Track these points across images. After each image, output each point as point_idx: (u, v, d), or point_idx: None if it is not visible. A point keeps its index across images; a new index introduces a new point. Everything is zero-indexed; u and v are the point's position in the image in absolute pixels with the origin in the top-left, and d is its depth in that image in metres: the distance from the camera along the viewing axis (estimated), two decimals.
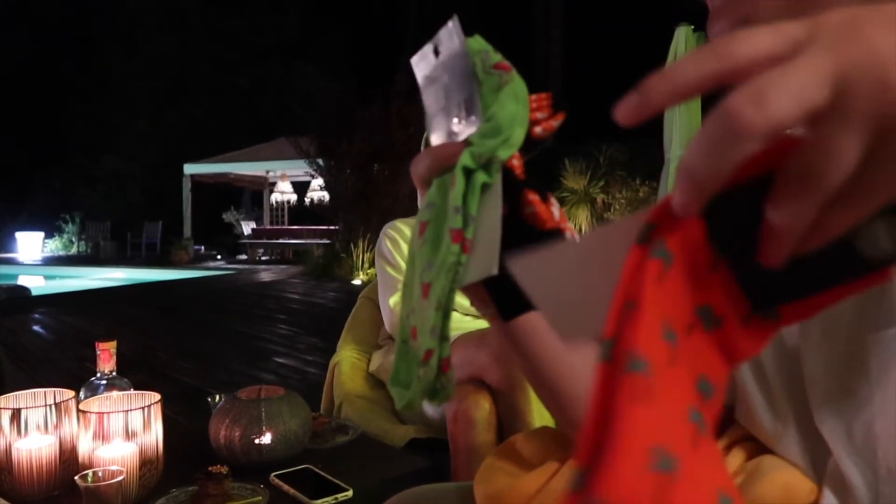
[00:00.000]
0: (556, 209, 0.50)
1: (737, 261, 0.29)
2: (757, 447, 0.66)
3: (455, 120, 0.47)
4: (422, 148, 1.90)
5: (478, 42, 0.48)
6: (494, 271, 0.43)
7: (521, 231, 0.47)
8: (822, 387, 0.57)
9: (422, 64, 0.50)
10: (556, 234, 0.49)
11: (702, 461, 0.27)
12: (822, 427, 0.57)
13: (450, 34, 0.47)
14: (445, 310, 0.45)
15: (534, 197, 0.48)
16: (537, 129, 0.48)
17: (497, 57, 0.47)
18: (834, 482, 0.57)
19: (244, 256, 14.93)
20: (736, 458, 0.66)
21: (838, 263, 0.29)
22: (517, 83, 0.46)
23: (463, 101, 0.47)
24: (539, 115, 0.48)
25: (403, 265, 2.01)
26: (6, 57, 19.43)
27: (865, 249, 0.28)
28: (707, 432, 0.29)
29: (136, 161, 19.07)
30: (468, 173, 0.45)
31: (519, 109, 0.46)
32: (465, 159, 0.45)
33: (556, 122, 0.49)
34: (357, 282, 9.55)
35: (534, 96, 0.49)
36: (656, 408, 0.26)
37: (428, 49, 0.49)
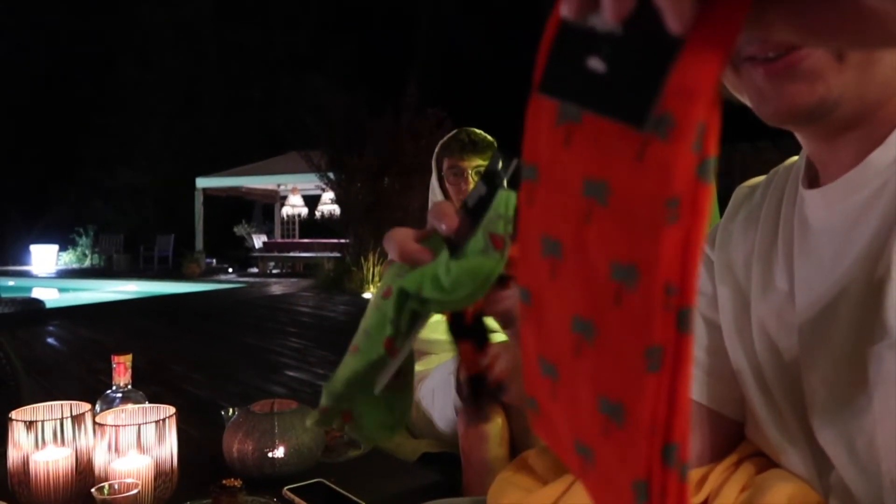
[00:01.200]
0: (501, 361, 0.52)
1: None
2: (766, 463, 0.67)
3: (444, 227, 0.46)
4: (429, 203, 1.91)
5: (507, 202, 0.42)
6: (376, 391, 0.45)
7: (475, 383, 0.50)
8: (822, 400, 0.57)
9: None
10: (498, 390, 0.50)
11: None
12: (824, 441, 0.57)
13: (495, 172, 0.44)
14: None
15: (465, 347, 0.50)
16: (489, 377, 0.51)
17: (501, 228, 0.42)
18: (839, 495, 0.57)
19: (255, 269, 15.00)
20: (745, 473, 0.66)
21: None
22: (494, 266, 0.42)
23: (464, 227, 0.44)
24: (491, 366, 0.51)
25: None
26: (22, 72, 19.71)
27: None
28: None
29: (149, 174, 19.24)
30: (405, 294, 0.45)
31: (474, 288, 0.42)
32: (408, 283, 0.44)
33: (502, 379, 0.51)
34: (367, 295, 9.57)
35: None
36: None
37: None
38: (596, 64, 0.26)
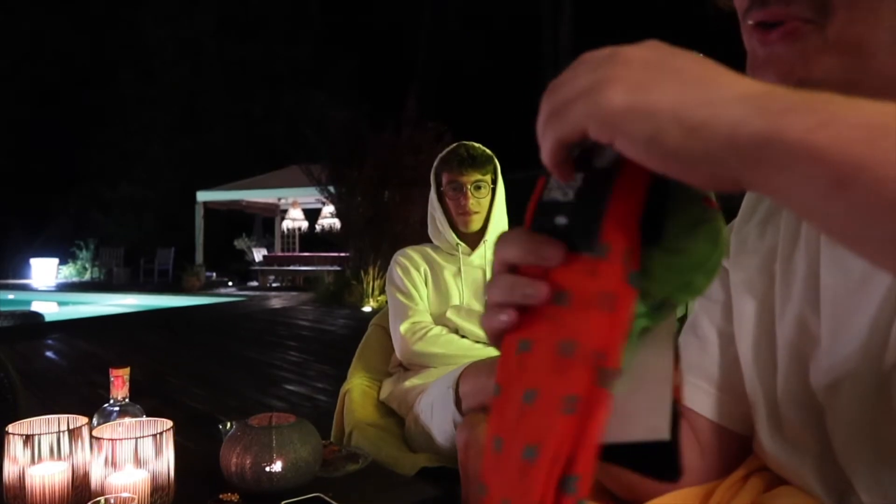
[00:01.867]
0: None
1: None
2: (775, 478, 0.65)
3: (565, 221, 0.40)
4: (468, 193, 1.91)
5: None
6: (665, 435, 0.40)
7: None
8: (848, 429, 0.55)
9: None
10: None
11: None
12: (851, 472, 0.55)
13: None
14: None
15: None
16: None
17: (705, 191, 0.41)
18: None
19: (255, 283, 14.99)
20: (753, 489, 0.65)
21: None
22: (719, 225, 0.40)
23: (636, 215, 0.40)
24: None
25: (414, 292, 2.02)
26: (25, 86, 19.80)
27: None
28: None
29: (149, 188, 19.29)
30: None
31: (714, 255, 0.40)
32: (639, 308, 0.39)
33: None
34: (367, 308, 9.56)
35: None
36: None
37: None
38: (560, 220, 0.40)
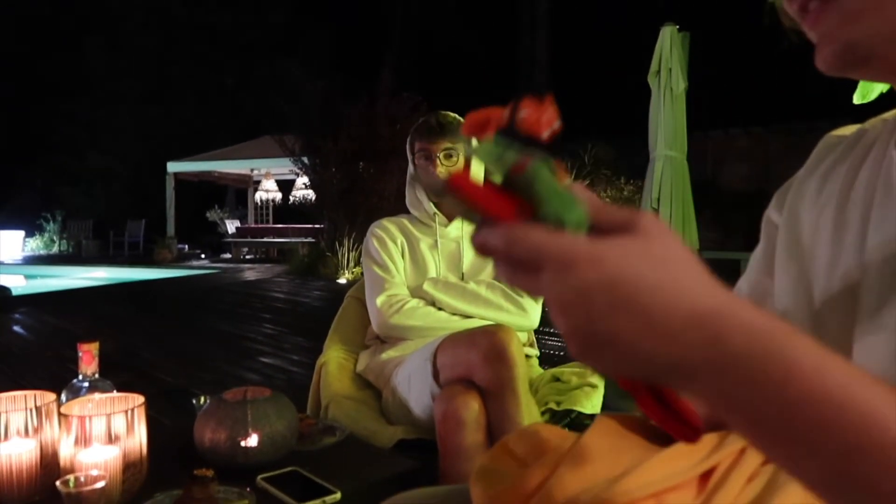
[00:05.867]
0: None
1: None
2: None
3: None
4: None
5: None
6: None
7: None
8: None
9: None
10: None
11: None
12: None
13: None
14: None
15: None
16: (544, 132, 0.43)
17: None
18: None
19: (228, 255, 14.83)
20: (754, 459, 0.65)
21: None
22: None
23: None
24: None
25: (391, 265, 2.00)
26: None
27: None
28: None
29: (118, 159, 18.87)
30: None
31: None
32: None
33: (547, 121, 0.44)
34: (342, 281, 9.51)
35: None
36: None
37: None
38: None
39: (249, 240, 14.69)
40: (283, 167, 13.13)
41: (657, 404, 0.43)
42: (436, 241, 2.03)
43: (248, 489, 1.24)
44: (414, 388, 1.76)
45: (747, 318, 0.36)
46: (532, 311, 1.94)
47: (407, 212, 2.11)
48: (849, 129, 0.66)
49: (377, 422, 1.83)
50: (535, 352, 2.06)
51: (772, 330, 0.36)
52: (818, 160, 0.66)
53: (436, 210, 2.04)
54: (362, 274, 2.09)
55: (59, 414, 1.20)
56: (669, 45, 6.23)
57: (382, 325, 1.94)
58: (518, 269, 0.39)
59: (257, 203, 16.91)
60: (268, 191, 16.18)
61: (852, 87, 0.93)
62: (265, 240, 14.33)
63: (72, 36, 19.75)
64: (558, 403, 1.77)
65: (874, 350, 0.51)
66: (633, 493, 0.61)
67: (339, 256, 10.05)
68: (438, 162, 1.95)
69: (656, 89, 6.39)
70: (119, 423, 1.20)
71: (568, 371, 1.89)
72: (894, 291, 0.51)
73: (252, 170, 16.01)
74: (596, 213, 0.40)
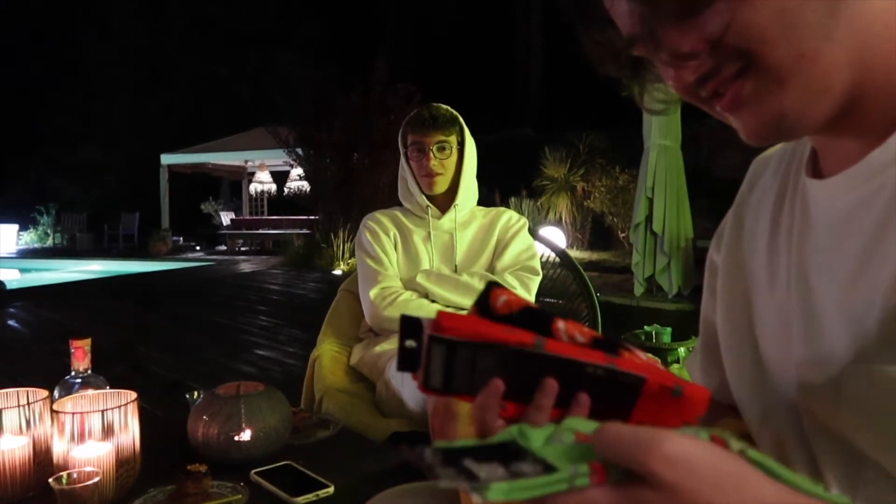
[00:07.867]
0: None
1: None
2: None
3: None
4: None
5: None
6: None
7: None
8: (822, 427, 0.55)
9: None
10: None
11: None
12: (827, 471, 0.55)
13: None
14: None
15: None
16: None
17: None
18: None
19: (223, 247, 14.81)
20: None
21: None
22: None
23: None
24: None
25: (384, 257, 2.00)
26: None
27: None
28: None
29: (112, 151, 18.78)
30: None
31: None
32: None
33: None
34: (338, 272, 9.51)
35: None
36: None
37: None
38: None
39: (244, 231, 14.67)
40: (278, 158, 13.10)
41: None
42: (429, 233, 2.03)
43: (241, 483, 1.24)
44: (407, 380, 1.76)
45: None
46: None
47: (400, 204, 2.10)
48: (774, 150, 0.69)
49: (371, 415, 1.83)
50: None
51: None
52: (750, 188, 0.70)
53: (428, 202, 2.03)
54: (356, 267, 2.09)
55: (52, 411, 1.20)
56: None
57: (376, 317, 1.94)
58: None
59: (252, 195, 16.86)
60: (262, 182, 16.14)
61: None
62: (260, 231, 14.31)
63: (65, 26, 19.59)
64: None
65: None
66: None
67: (335, 248, 10.04)
68: (431, 155, 1.94)
69: None
70: (112, 420, 1.20)
71: None
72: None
73: (246, 161, 15.97)
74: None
